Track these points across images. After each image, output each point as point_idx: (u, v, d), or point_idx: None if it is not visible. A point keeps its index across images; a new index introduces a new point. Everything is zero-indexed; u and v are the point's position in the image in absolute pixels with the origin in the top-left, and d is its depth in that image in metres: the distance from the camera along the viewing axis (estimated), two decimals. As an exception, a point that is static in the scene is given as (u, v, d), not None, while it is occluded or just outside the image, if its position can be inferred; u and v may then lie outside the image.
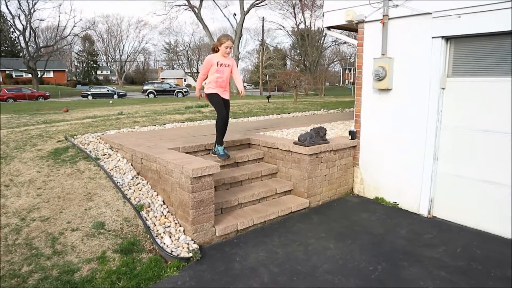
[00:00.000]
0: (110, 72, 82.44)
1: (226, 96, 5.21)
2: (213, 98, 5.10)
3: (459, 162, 4.71)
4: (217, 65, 5.01)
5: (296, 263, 3.77)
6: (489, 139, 4.41)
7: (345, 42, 52.04)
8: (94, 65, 75.16)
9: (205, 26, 37.36)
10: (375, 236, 4.39)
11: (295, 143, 5.32)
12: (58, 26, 47.29)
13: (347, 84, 61.80)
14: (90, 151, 5.65)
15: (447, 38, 4.65)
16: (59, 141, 6.29)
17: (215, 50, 5.11)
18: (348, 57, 62.06)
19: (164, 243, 3.90)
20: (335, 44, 56.30)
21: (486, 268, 3.69)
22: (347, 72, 70.60)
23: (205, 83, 5.24)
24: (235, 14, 39.20)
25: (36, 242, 3.68)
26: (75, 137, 6.40)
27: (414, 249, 4.07)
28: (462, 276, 3.55)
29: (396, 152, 5.28)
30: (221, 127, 5.20)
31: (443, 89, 4.73)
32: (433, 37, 4.68)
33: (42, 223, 3.94)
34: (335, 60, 65.16)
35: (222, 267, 3.70)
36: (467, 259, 3.88)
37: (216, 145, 5.29)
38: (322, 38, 52.41)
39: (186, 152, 5.10)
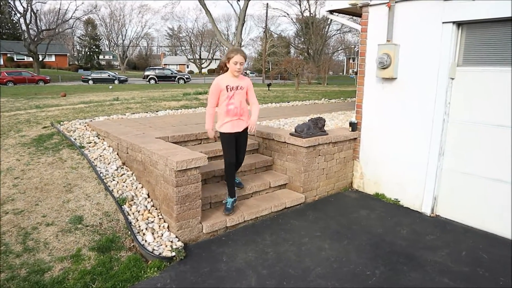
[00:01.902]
0: (113, 57, 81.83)
1: (241, 127, 4.11)
2: (223, 138, 4.11)
3: (466, 158, 4.38)
4: (227, 90, 3.94)
5: (287, 265, 3.48)
6: (501, 134, 4.07)
7: (350, 31, 51.37)
8: (96, 50, 74.54)
9: (208, 12, 36.58)
10: (373, 236, 4.10)
11: (291, 134, 5.00)
12: (59, 9, 46.71)
13: (350, 74, 61.10)
14: (75, 139, 5.35)
15: (459, 24, 4.28)
16: (45, 127, 6.00)
17: (223, 69, 4.05)
18: (353, 46, 61.21)
19: (145, 241, 3.62)
20: (339, 33, 55.58)
21: (493, 275, 3.40)
22: (351, 61, 69.78)
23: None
24: (238, 0, 38.45)
25: (6, 237, 3.40)
26: (61, 123, 6.10)
27: (415, 252, 3.77)
28: (467, 283, 3.25)
29: (399, 146, 4.95)
30: (230, 173, 4.18)
31: (452, 79, 4.38)
32: (443, 22, 4.31)
33: (15, 217, 3.66)
34: (340, 49, 64.33)
35: (206, 268, 3.42)
36: (473, 264, 3.58)
37: (228, 197, 4.29)
38: (327, 26, 51.64)
39: (174, 142, 4.79)
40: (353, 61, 67.32)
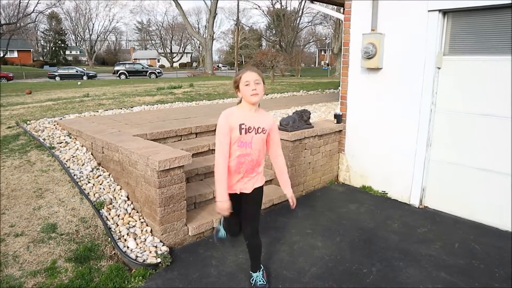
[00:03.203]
0: (80, 52, 79.00)
1: (252, 186, 2.75)
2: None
3: (454, 148, 4.33)
4: (241, 131, 2.55)
5: (281, 267, 3.31)
6: (488, 124, 4.03)
7: (321, 23, 51.65)
8: (62, 45, 71.58)
9: (178, 5, 35.88)
10: (365, 232, 3.98)
11: (276, 128, 4.80)
12: (20, 2, 44.48)
13: (322, 65, 61.56)
14: (44, 139, 4.97)
15: (445, 12, 4.19)
16: (9, 127, 5.56)
17: (238, 91, 2.61)
18: (324, 38, 61.63)
19: (127, 247, 3.36)
20: (311, 25, 55.78)
21: (489, 266, 3.34)
22: (322, 53, 70.30)
23: None
24: (209, -8, 37.79)
25: (-30, 251, 3.06)
26: (28, 122, 5.68)
27: (409, 246, 3.68)
28: (464, 277, 3.18)
29: (386, 137, 4.86)
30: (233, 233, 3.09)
31: (439, 68, 4.30)
32: (429, 11, 4.21)
33: (-21, 227, 3.31)
34: (311, 41, 64.58)
35: (195, 274, 3.20)
36: (467, 256, 3.52)
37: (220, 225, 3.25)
38: (298, 19, 51.64)
39: (153, 139, 4.51)
40: (325, 53, 67.81)
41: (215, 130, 5.28)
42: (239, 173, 2.66)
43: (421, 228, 4.09)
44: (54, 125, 5.54)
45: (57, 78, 35.77)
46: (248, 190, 2.72)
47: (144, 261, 3.23)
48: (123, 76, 36.79)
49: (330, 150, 5.32)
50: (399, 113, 4.66)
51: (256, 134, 2.58)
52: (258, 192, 2.79)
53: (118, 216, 3.70)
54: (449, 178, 4.41)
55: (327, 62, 61.31)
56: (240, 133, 2.54)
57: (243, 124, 2.55)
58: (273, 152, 2.81)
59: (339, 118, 5.28)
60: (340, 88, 5.35)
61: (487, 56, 3.96)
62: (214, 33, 37.83)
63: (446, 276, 3.19)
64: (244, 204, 2.78)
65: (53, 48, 70.02)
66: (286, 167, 2.86)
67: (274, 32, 57.10)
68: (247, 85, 2.49)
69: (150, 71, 38.33)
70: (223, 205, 2.54)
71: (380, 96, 4.83)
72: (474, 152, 4.18)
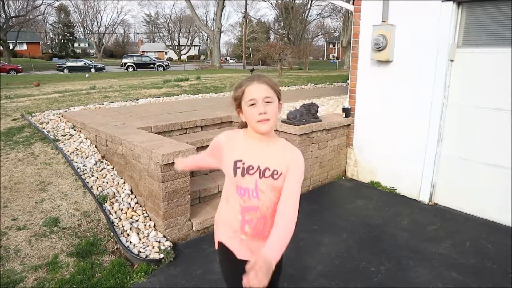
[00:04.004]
0: (88, 45, 79.21)
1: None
2: (222, 256, 1.88)
3: (466, 144, 4.20)
4: (236, 171, 1.68)
5: (287, 264, 3.20)
6: (502, 118, 3.89)
7: (329, 15, 51.12)
8: (71, 38, 71.78)
9: (186, -4, 35.69)
10: (373, 228, 3.88)
11: (283, 121, 4.71)
12: (29, -5, 44.56)
13: (331, 59, 61.04)
14: (49, 131, 4.93)
15: (459, 2, 4.03)
16: (14, 119, 5.53)
17: (241, 123, 1.76)
18: (333, 31, 61.05)
19: (130, 242, 3.30)
20: (319, 18, 55.27)
21: (501, 267, 3.23)
22: (331, 46, 69.66)
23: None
24: (217, -16, 37.51)
25: (-29, 244, 3.03)
26: (33, 114, 5.64)
27: (418, 244, 3.58)
28: (477, 277, 3.07)
29: (396, 131, 4.73)
30: None
31: (452, 61, 4.15)
32: (443, 1, 4.06)
33: (-19, 220, 3.28)
34: (319, 34, 64.00)
35: (199, 270, 3.13)
36: (479, 255, 3.41)
37: None
38: (307, 11, 51.16)
39: (158, 132, 4.44)
40: (333, 46, 67.19)
41: (220, 122, 5.23)
42: (241, 232, 1.74)
43: (431, 225, 3.98)
44: (59, 117, 5.49)
45: (66, 71, 35.92)
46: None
47: (146, 256, 3.17)
48: (130, 69, 36.84)
49: (338, 145, 5.21)
50: (410, 107, 4.53)
51: (260, 177, 1.64)
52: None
53: (121, 210, 3.64)
54: (460, 175, 4.28)
55: (335, 55, 60.76)
56: (235, 174, 1.66)
57: (240, 161, 1.66)
58: (282, 200, 1.64)
59: (347, 112, 5.16)
60: (348, 81, 5.22)
61: (503, 48, 3.80)
62: (222, 25, 37.65)
63: (458, 276, 3.09)
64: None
65: (62, 41, 70.25)
66: (284, 228, 1.54)
67: (282, 25, 56.65)
68: (252, 104, 1.58)
69: (157, 64, 38.31)
70: (176, 163, 2.13)
71: (390, 89, 4.70)
72: (487, 148, 4.04)
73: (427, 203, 4.52)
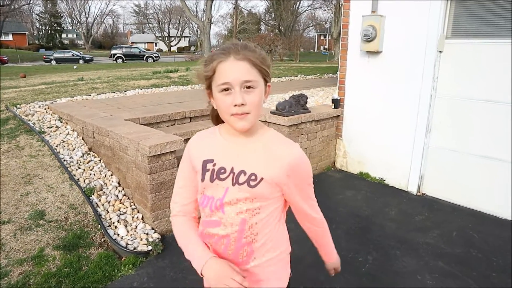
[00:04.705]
0: (76, 35, 77.91)
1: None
2: None
3: (454, 135, 4.23)
4: (203, 174, 1.27)
5: (275, 255, 3.23)
6: (489, 110, 3.92)
7: (320, 7, 50.96)
8: (58, 28, 70.46)
9: (175, -13, 35.19)
10: (362, 219, 3.91)
11: (272, 112, 4.69)
12: (14, -17, 43.57)
13: (321, 50, 60.99)
14: (34, 123, 4.84)
15: (448, -8, 4.03)
16: (-1, 111, 5.42)
17: (213, 110, 1.32)
18: (324, 23, 60.93)
19: (118, 235, 3.27)
20: (310, 9, 55.04)
21: (486, 255, 3.28)
22: (322, 38, 69.53)
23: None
24: (207, -26, 37.05)
25: (-46, 238, 2.97)
26: (18, 106, 5.53)
27: (406, 234, 3.61)
28: (462, 266, 3.12)
29: (385, 123, 4.74)
30: None
31: (441, 52, 4.16)
32: (432, -9, 4.05)
33: (-36, 214, 3.22)
34: (310, 25, 63.83)
35: (187, 262, 3.10)
36: (465, 245, 3.45)
37: None
38: (298, 2, 50.93)
39: (146, 124, 4.39)
40: (324, 37, 67.09)
41: (209, 114, 5.17)
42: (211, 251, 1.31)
43: (419, 216, 4.02)
44: (45, 109, 5.40)
45: (53, 62, 35.33)
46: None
47: (134, 248, 3.15)
48: (120, 60, 36.37)
49: (327, 136, 5.22)
50: (399, 98, 4.54)
51: (233, 184, 1.22)
52: None
53: (109, 202, 3.60)
54: (448, 165, 4.32)
55: (326, 47, 60.72)
56: (202, 179, 1.27)
57: (210, 162, 1.26)
58: (299, 212, 1.46)
59: (336, 103, 5.16)
60: (338, 72, 5.21)
61: (491, 39, 3.82)
62: (212, 16, 37.25)
63: (444, 265, 3.13)
64: None
65: (49, 31, 68.96)
66: (326, 232, 1.55)
67: (273, 16, 56.35)
68: (225, 90, 1.14)
69: (147, 55, 37.93)
70: (210, 270, 1.22)
71: (379, 80, 4.70)
72: (474, 138, 4.07)
73: (415, 194, 4.56)
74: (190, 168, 1.33)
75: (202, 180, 1.27)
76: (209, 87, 1.21)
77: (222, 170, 1.24)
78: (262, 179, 1.21)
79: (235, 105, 1.13)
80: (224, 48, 1.17)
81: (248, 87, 1.14)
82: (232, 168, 1.23)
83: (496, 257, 3.26)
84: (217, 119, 1.32)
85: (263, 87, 1.19)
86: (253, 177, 1.21)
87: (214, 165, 1.25)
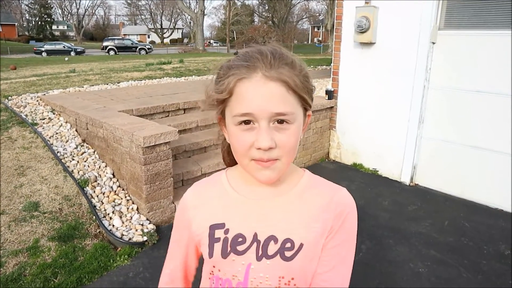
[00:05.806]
0: (68, 27, 76.87)
1: None
2: None
3: (446, 126, 4.27)
4: (211, 246, 0.84)
5: (270, 245, 3.27)
6: (482, 101, 3.96)
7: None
8: (48, 20, 69.39)
9: (167, -23, 34.81)
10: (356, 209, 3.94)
11: (266, 104, 4.69)
12: (3, -26, 42.75)
13: (315, 42, 60.87)
14: (27, 115, 4.80)
15: (441, -17, 4.05)
16: (-10, 102, 5.36)
17: (223, 143, 0.95)
18: (317, 14, 60.77)
19: (113, 226, 3.28)
20: (304, 0, 54.80)
21: (478, 244, 3.34)
22: (316, 30, 69.39)
23: None
24: (200, -35, 36.67)
25: None
26: (9, 98, 5.48)
27: (399, 224, 3.66)
28: (453, 254, 3.17)
29: (378, 114, 4.77)
30: None
31: (434, 43, 4.18)
32: (425, -18, 4.06)
33: (-42, 206, 3.20)
34: (304, 17, 63.62)
35: (183, 252, 3.13)
36: (457, 233, 3.51)
37: None
38: (292, -6, 50.64)
39: (140, 115, 4.37)
40: (318, 29, 66.95)
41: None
42: None
43: (412, 205, 4.07)
44: (37, 100, 5.35)
45: (44, 54, 34.87)
46: None
47: (130, 239, 3.16)
48: (112, 52, 36.02)
49: (321, 127, 5.24)
50: (392, 89, 4.57)
51: (259, 258, 0.82)
52: None
53: (103, 194, 3.60)
54: (441, 156, 4.37)
55: (320, 39, 60.60)
56: (210, 254, 0.86)
57: (220, 226, 0.86)
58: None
59: (330, 94, 5.17)
60: (332, 63, 5.22)
61: (483, 30, 3.84)
62: (205, 8, 37.01)
63: (436, 253, 3.18)
64: None
65: (39, 23, 67.89)
66: None
67: (266, 7, 56.04)
68: (244, 122, 0.76)
69: (140, 47, 37.55)
70: None
71: (373, 71, 4.72)
72: (467, 129, 4.12)
73: (408, 184, 4.61)
74: (188, 239, 0.94)
75: (210, 255, 0.85)
76: (221, 112, 0.82)
77: (240, 239, 0.84)
78: (301, 245, 0.81)
79: (258, 148, 0.75)
80: (248, 58, 0.77)
81: (281, 122, 0.75)
82: (256, 235, 0.83)
83: (487, 245, 3.32)
84: (229, 156, 0.92)
85: (302, 120, 0.81)
86: (289, 244, 0.81)
87: (226, 231, 0.85)
